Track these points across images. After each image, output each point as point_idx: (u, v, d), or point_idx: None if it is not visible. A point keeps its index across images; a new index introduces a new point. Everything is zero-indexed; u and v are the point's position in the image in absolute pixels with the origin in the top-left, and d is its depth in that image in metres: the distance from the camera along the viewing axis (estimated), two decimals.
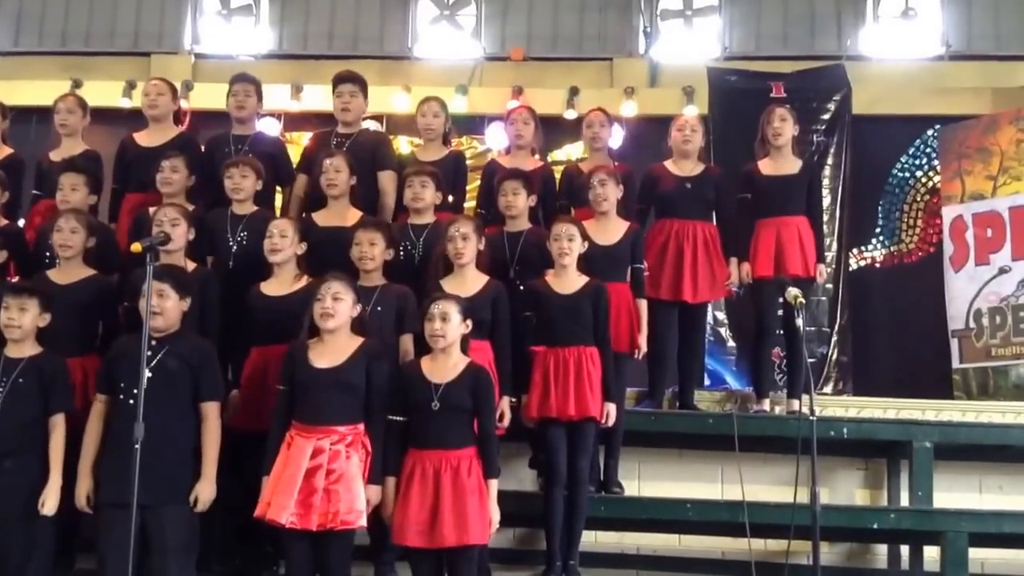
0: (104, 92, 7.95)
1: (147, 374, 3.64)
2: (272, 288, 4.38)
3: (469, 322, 3.99)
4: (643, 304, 4.82)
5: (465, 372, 3.91)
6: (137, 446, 3.51)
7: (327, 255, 4.45)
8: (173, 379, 3.81)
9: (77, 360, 4.19)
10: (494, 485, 3.88)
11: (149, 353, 3.71)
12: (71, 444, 3.94)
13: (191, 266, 4.43)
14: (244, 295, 4.41)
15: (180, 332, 3.96)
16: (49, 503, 3.84)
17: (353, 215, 4.73)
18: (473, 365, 3.97)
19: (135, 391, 3.64)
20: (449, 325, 3.90)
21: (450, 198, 5.16)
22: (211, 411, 3.88)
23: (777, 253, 5.22)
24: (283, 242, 4.35)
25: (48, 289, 4.21)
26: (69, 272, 4.43)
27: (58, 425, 3.94)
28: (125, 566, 3.48)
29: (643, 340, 4.78)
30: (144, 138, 5.35)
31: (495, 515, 3.87)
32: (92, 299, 4.40)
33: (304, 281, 4.34)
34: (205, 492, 3.80)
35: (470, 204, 5.77)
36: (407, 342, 4.31)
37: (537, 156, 5.58)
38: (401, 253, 4.63)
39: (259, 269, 4.49)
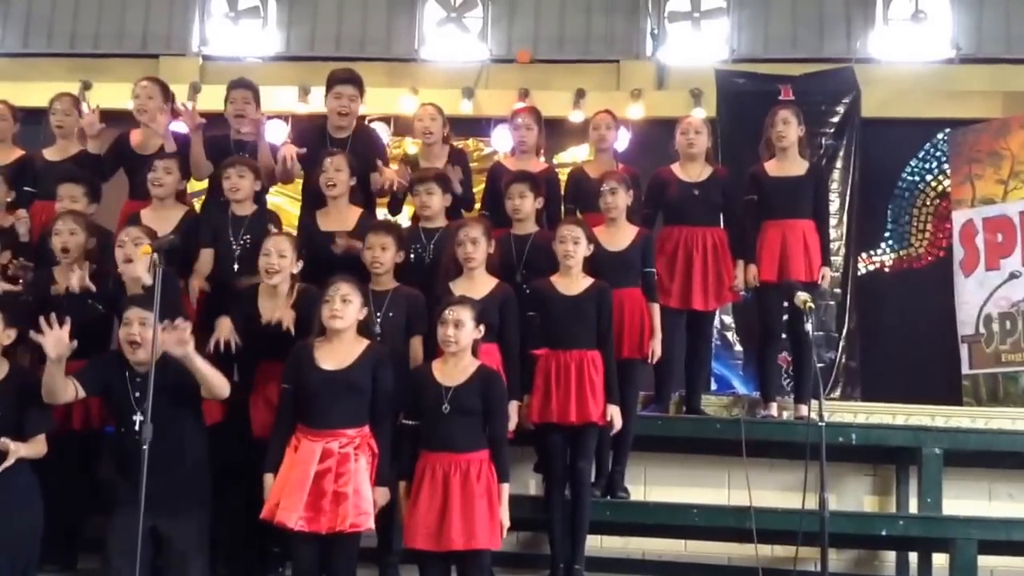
0: (113, 94, 7.95)
1: (139, 418, 3.66)
2: (269, 309, 4.27)
3: (482, 327, 3.99)
4: (655, 308, 4.79)
5: (475, 375, 3.92)
6: (145, 447, 3.49)
7: (329, 258, 4.46)
8: (167, 409, 3.74)
9: (82, 362, 4.13)
10: (505, 489, 3.88)
11: (138, 395, 3.73)
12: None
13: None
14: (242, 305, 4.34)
15: (163, 360, 3.76)
16: (15, 450, 3.73)
17: (354, 215, 4.73)
18: (484, 368, 3.97)
19: (135, 429, 3.63)
20: (463, 331, 3.91)
21: (459, 188, 5.10)
22: None
23: (782, 257, 5.19)
24: (282, 263, 4.21)
25: (11, 303, 4.13)
26: (71, 273, 4.42)
27: (38, 442, 3.86)
28: (136, 565, 3.48)
29: (657, 344, 4.75)
30: (137, 142, 5.27)
31: (506, 520, 3.86)
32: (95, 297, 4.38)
33: (295, 295, 4.26)
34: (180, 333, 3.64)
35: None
36: (417, 345, 4.32)
37: (542, 158, 5.56)
38: (411, 256, 4.62)
39: None
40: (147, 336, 3.74)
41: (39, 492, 3.89)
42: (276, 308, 4.24)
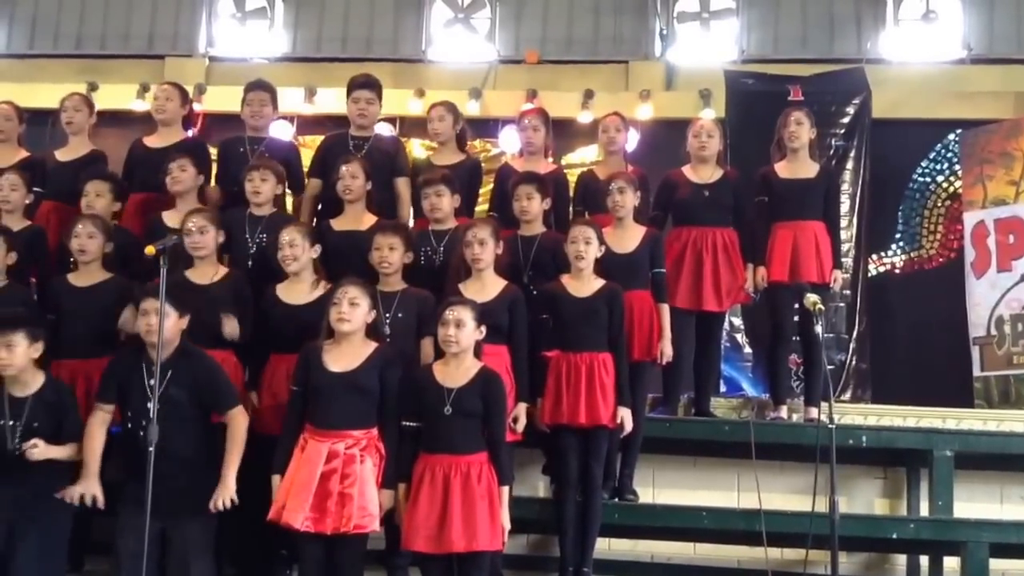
0: (118, 95, 7.99)
1: (154, 405, 3.69)
2: (290, 295, 4.38)
3: (483, 328, 3.98)
4: (665, 309, 4.77)
5: (477, 377, 3.90)
6: (151, 448, 3.53)
7: (343, 260, 4.46)
8: (180, 406, 3.82)
9: (96, 362, 4.21)
10: (506, 492, 3.86)
11: (152, 382, 3.74)
12: None
13: (223, 271, 4.47)
14: (261, 297, 4.42)
15: (180, 353, 3.90)
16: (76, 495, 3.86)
17: (369, 219, 4.74)
18: (485, 370, 3.95)
19: (143, 422, 3.67)
20: (463, 331, 3.89)
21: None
22: (234, 417, 3.91)
23: (793, 258, 5.16)
24: (294, 251, 4.34)
25: (34, 316, 4.16)
26: (88, 275, 4.48)
27: (71, 448, 3.94)
28: (146, 566, 3.53)
29: (667, 345, 4.73)
30: (152, 141, 5.37)
31: (506, 522, 3.84)
32: (110, 302, 4.42)
33: (322, 288, 4.33)
34: (221, 495, 3.81)
35: (482, 207, 5.73)
36: (427, 346, 4.30)
37: (550, 159, 5.53)
38: (422, 258, 4.62)
39: (278, 269, 4.48)
40: (163, 326, 3.76)
41: (72, 507, 3.94)
42: (299, 295, 4.32)
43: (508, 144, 7.60)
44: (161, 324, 3.71)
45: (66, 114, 5.45)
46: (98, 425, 3.93)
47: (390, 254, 4.34)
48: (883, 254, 7.74)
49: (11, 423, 3.86)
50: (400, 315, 4.29)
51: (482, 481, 3.80)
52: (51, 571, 3.94)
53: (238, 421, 3.91)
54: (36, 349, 3.95)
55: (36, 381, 3.96)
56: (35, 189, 5.21)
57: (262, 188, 4.73)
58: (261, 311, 4.40)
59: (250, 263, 4.66)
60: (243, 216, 4.75)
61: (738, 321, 7.30)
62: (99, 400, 3.98)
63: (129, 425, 3.87)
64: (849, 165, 7.33)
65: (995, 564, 4.68)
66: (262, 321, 4.39)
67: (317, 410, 3.87)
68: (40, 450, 3.80)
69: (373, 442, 3.87)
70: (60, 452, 3.88)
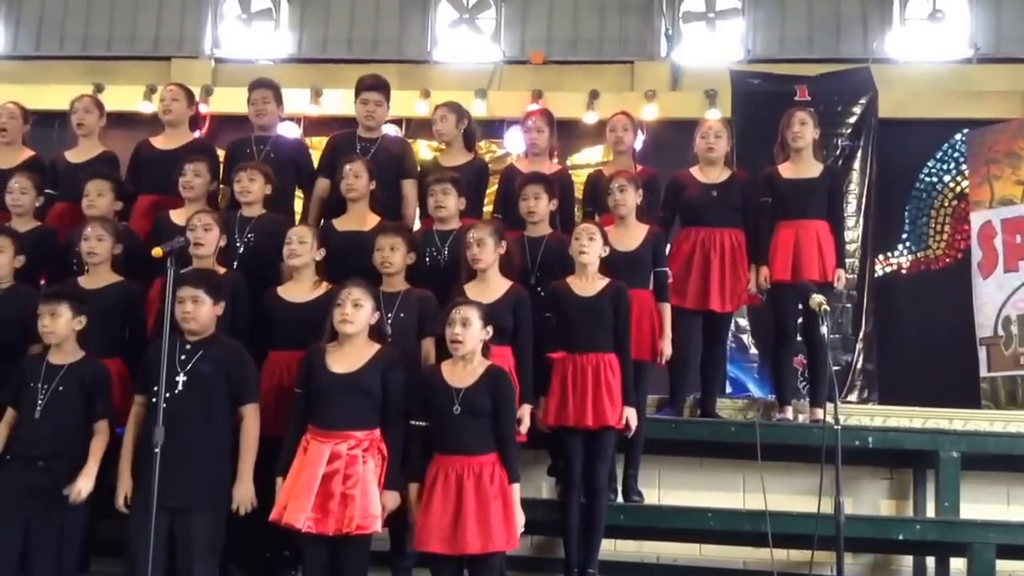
0: (125, 96, 8.01)
1: (183, 378, 3.81)
2: (292, 293, 4.40)
3: (490, 328, 3.97)
4: (666, 308, 4.77)
5: (485, 376, 3.90)
6: (157, 450, 3.55)
7: (346, 259, 4.46)
8: (207, 384, 3.87)
9: (105, 362, 4.21)
10: (516, 490, 3.86)
11: (183, 357, 3.84)
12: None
13: (220, 271, 4.46)
14: (259, 297, 4.43)
15: (214, 336, 4.01)
16: (84, 488, 3.90)
17: (372, 220, 4.74)
18: (493, 368, 3.95)
19: (167, 395, 3.71)
20: (469, 331, 3.89)
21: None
22: (249, 413, 3.95)
23: (795, 257, 5.15)
24: (302, 248, 4.38)
25: (79, 292, 4.29)
26: (97, 278, 4.51)
27: (101, 431, 4.04)
28: (158, 565, 3.58)
29: (667, 345, 4.74)
30: (160, 142, 5.37)
31: (520, 520, 3.84)
32: (118, 304, 4.46)
33: (323, 288, 4.35)
34: (242, 495, 3.86)
35: (487, 208, 5.72)
36: (429, 346, 4.31)
37: (555, 160, 5.52)
38: (426, 259, 4.62)
39: (264, 270, 4.53)
40: (199, 312, 3.92)
41: (90, 504, 3.98)
42: (300, 294, 4.36)
43: (513, 145, 7.60)
44: (166, 315, 3.73)
45: (76, 116, 5.46)
46: (135, 422, 3.99)
47: (391, 254, 4.34)
48: (889, 254, 7.72)
49: (42, 386, 4.00)
50: (402, 315, 4.29)
51: (495, 481, 3.80)
52: (66, 570, 3.97)
53: (251, 419, 3.94)
54: (79, 322, 4.11)
55: (75, 354, 4.11)
56: (47, 191, 5.22)
57: (251, 188, 4.75)
58: (259, 311, 4.39)
59: (236, 263, 4.64)
60: (234, 217, 4.77)
61: (744, 322, 7.28)
62: (135, 392, 4.05)
63: (153, 400, 3.83)
64: (855, 165, 7.31)
65: (1002, 565, 4.67)
66: (258, 322, 4.38)
67: (319, 411, 3.87)
68: (84, 489, 3.90)
69: (375, 443, 3.86)
70: (95, 459, 3.96)
